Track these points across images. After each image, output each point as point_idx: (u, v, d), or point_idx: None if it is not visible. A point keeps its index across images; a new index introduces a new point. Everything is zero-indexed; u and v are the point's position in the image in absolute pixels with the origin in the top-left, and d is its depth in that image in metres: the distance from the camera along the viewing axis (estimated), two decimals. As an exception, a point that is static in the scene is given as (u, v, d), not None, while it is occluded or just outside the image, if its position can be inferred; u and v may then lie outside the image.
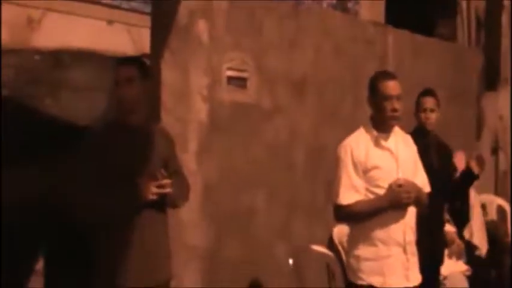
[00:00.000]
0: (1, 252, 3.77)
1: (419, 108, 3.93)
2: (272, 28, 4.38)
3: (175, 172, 3.24)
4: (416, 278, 3.19)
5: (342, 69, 4.95)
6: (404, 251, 3.13)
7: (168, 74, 3.76)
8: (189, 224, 3.77)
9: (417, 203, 3.18)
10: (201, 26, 3.96)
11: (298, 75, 4.57)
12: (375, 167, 3.13)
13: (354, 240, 3.20)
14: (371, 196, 3.12)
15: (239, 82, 4.18)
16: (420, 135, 3.67)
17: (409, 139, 3.31)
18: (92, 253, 3.15)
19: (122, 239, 3.11)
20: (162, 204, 3.16)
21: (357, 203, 3.11)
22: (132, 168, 3.08)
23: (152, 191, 3.03)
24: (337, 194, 3.15)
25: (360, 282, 3.12)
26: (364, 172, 3.14)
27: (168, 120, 3.79)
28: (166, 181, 3.06)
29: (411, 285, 3.15)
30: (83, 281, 3.22)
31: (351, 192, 3.13)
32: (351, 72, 5.00)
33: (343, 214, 3.19)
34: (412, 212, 3.20)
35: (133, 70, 3.06)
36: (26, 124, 4.05)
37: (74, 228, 3.35)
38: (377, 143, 3.17)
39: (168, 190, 3.06)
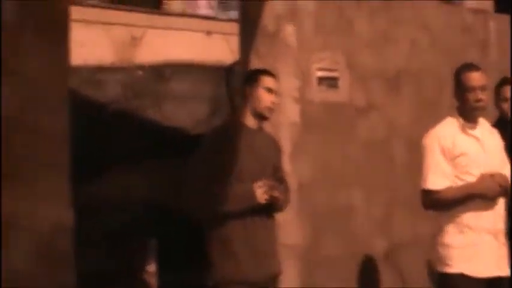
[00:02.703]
0: (111, 252, 3.99)
1: (499, 97, 3.82)
2: (363, 24, 4.34)
3: (281, 178, 3.39)
4: (507, 268, 3.09)
5: (440, 60, 4.82)
6: (496, 238, 3.05)
7: (258, 79, 3.84)
8: (285, 223, 3.82)
9: (506, 194, 3.13)
10: (289, 29, 4.00)
11: (392, 70, 4.50)
12: (462, 154, 3.09)
13: (442, 229, 3.15)
14: (460, 183, 3.08)
15: (330, 82, 4.18)
16: (502, 125, 3.57)
17: (494, 131, 3.25)
18: (205, 252, 3.30)
19: (231, 235, 3.27)
20: (270, 207, 3.31)
21: (447, 189, 3.08)
22: (247, 170, 3.25)
23: (263, 196, 3.20)
24: (425, 180, 3.14)
25: (450, 270, 3.04)
26: (452, 159, 3.10)
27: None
28: (277, 186, 3.22)
29: (503, 275, 3.07)
30: (195, 281, 3.37)
31: (440, 177, 3.11)
32: (449, 63, 4.86)
33: (432, 200, 3.16)
34: (501, 201, 3.13)
35: (276, 83, 3.32)
36: (134, 133, 4.28)
37: (187, 228, 3.53)
38: (463, 131, 3.13)
39: (277, 195, 3.21)
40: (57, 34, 2.60)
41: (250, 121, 3.35)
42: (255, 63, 3.86)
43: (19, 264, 2.26)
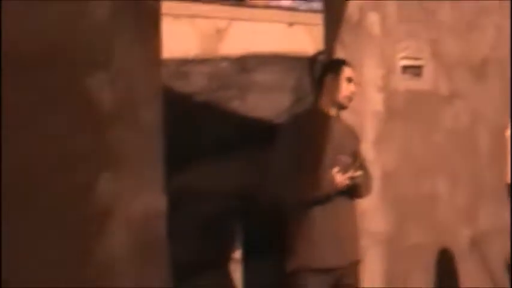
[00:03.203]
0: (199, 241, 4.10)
1: None
2: (447, 12, 4.31)
3: (361, 165, 3.43)
4: None
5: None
6: None
7: (342, 68, 3.86)
8: (369, 211, 3.85)
9: None
10: (372, 19, 4.01)
11: (477, 57, 4.45)
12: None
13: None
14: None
15: (414, 70, 4.17)
16: None
17: None
18: (286, 238, 3.37)
19: (312, 222, 3.33)
20: (351, 193, 3.35)
21: None
22: (326, 156, 3.31)
23: (343, 179, 3.24)
24: (508, 174, 3.12)
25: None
26: None
27: (344, 113, 3.89)
28: (357, 172, 3.26)
29: None
30: (278, 269, 3.43)
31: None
32: (539, 48, 4.78)
33: None
34: None
35: (355, 73, 3.39)
36: (220, 123, 4.37)
37: (269, 215, 3.60)
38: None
39: (358, 180, 3.25)
40: (150, 29, 2.68)
41: (329, 110, 3.41)
42: (340, 53, 3.89)
43: (116, 249, 2.36)
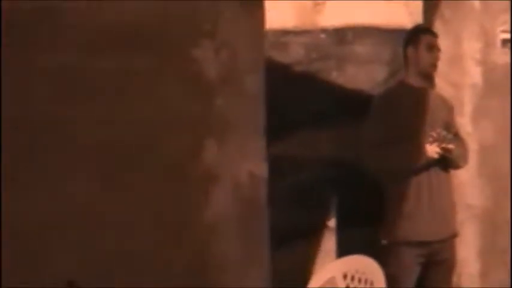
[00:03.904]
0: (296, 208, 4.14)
1: None
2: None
3: (455, 135, 3.38)
4: None
5: None
6: None
7: (441, 42, 3.80)
8: (466, 184, 3.79)
9: None
10: (473, -7, 3.94)
11: None
12: None
13: None
14: None
15: (514, 44, 4.08)
16: None
17: None
18: (381, 209, 3.38)
19: (406, 193, 3.32)
20: (445, 164, 3.31)
21: None
22: (417, 128, 3.28)
23: (435, 150, 3.21)
24: None
25: None
26: None
27: (442, 85, 3.84)
28: (450, 144, 3.22)
29: None
30: (373, 238, 3.44)
31: None
32: None
33: None
34: None
35: (436, 39, 3.35)
36: (318, 94, 4.40)
37: (364, 185, 3.62)
38: None
39: (450, 148, 3.21)
40: (254, 1, 2.71)
41: (416, 81, 3.38)
42: (439, 27, 3.83)
43: (221, 212, 2.43)
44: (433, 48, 3.41)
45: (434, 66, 3.41)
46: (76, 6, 2.24)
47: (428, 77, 3.45)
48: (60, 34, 2.22)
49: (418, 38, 3.42)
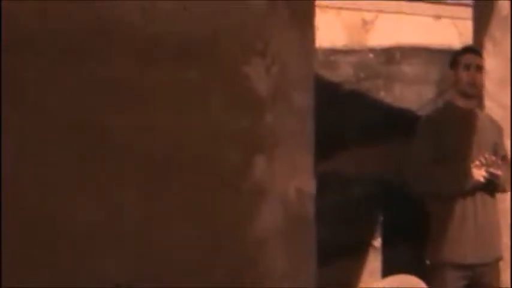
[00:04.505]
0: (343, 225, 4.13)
1: None
2: None
3: (503, 157, 3.33)
4: None
5: None
6: None
7: (490, 63, 3.78)
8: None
9: None
10: (523, 14, 3.90)
11: None
12: None
13: None
14: None
15: None
16: None
17: None
18: (424, 228, 3.34)
19: (451, 215, 3.28)
20: (492, 187, 3.26)
21: None
22: (463, 150, 3.25)
23: (482, 174, 3.17)
24: None
25: None
26: None
27: (491, 106, 3.80)
28: (496, 165, 3.17)
29: None
30: (416, 256, 3.41)
31: None
32: None
33: None
34: None
35: (480, 59, 3.32)
36: (366, 112, 4.39)
37: (409, 204, 3.58)
38: None
39: (497, 173, 3.16)
40: (304, 18, 2.72)
41: (461, 101, 3.34)
42: (489, 48, 3.80)
43: (269, 228, 2.42)
44: (470, 67, 3.37)
45: (472, 85, 3.37)
46: (130, 17, 2.27)
47: (473, 97, 3.41)
48: (115, 45, 2.26)
49: (458, 58, 3.40)
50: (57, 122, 2.12)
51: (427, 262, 3.36)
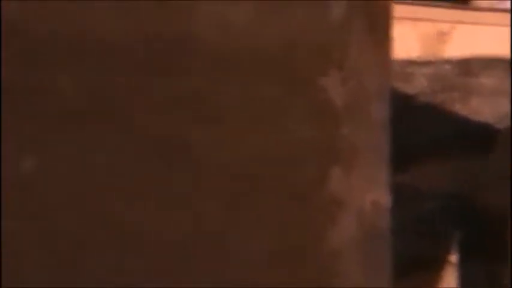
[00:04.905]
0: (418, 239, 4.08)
1: None
2: None
3: None
4: None
5: None
6: None
7: None
8: None
9: None
10: None
11: None
12: None
13: None
14: None
15: None
16: None
17: None
18: (504, 246, 3.27)
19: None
20: None
21: None
22: None
23: None
24: None
25: None
26: None
27: None
28: None
29: None
30: (494, 274, 3.34)
31: None
32: None
33: None
34: None
35: None
36: (441, 125, 4.34)
37: (486, 220, 3.52)
38: None
39: None
40: (382, 29, 2.71)
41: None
42: None
43: (345, 241, 2.42)
44: None
45: None
46: (206, 31, 2.31)
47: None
48: (191, 59, 2.30)
49: None
50: (137, 135, 2.17)
51: (505, 281, 3.28)
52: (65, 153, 2.14)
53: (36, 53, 2.14)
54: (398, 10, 4.28)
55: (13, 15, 2.13)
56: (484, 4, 4.80)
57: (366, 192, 2.49)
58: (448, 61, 4.38)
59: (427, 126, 4.08)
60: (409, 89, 4.18)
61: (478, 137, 3.92)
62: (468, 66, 4.43)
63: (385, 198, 2.59)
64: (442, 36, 4.44)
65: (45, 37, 2.15)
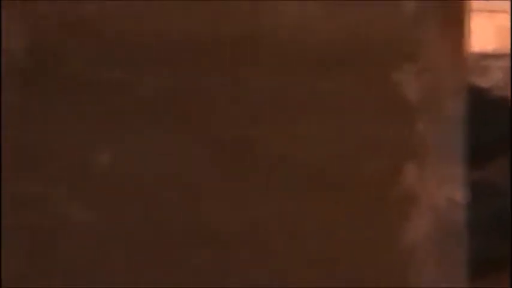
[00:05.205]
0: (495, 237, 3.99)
1: None
2: None
3: None
4: None
5: None
6: None
7: None
8: None
9: None
10: None
11: None
12: None
13: None
14: None
15: None
16: None
17: None
18: None
19: None
20: None
21: None
22: None
23: None
24: None
25: None
26: None
27: None
28: None
29: None
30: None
31: None
32: None
33: None
34: None
35: None
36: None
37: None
38: None
39: None
40: (457, 22, 2.66)
41: None
42: None
43: (418, 236, 2.38)
44: None
45: None
46: (277, 29, 2.31)
47: None
48: (261, 54, 2.30)
49: None
50: (210, 135, 2.19)
51: None
52: (139, 150, 2.18)
53: (113, 52, 2.20)
54: (473, 3, 4.20)
55: (91, 15, 2.19)
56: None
57: (440, 188, 2.45)
58: (527, 55, 4.30)
59: (502, 121, 4.00)
60: (484, 82, 4.09)
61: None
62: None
63: (460, 195, 2.54)
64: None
65: (121, 37, 2.20)
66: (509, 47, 4.40)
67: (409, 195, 2.36)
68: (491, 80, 4.28)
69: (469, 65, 3.85)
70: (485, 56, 4.24)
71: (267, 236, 2.19)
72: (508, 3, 4.44)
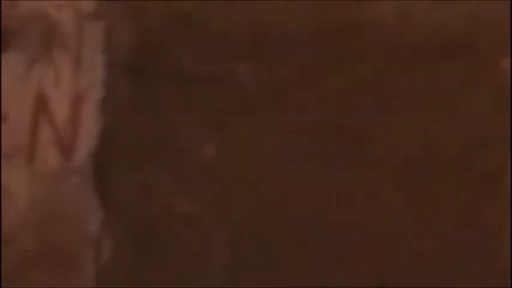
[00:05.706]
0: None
1: None
2: None
3: None
4: None
5: None
6: None
7: None
8: None
9: None
10: None
11: None
12: None
13: None
14: None
15: None
16: None
17: None
18: None
19: None
20: None
21: None
22: None
23: None
24: None
25: None
26: None
27: None
28: None
29: None
30: None
31: None
32: None
33: None
34: None
35: None
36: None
37: None
38: None
39: None
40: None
41: None
42: None
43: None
44: None
45: None
46: (384, 17, 2.28)
47: None
48: (369, 45, 2.27)
49: None
50: (311, 126, 2.19)
51: None
52: (242, 141, 2.20)
53: (214, 44, 2.23)
54: None
55: (187, 8, 2.22)
56: None
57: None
58: None
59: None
60: None
61: None
62: None
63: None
64: None
65: (223, 29, 2.23)
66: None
67: (512, 189, 2.28)
68: None
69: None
70: None
71: (377, 226, 2.17)
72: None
